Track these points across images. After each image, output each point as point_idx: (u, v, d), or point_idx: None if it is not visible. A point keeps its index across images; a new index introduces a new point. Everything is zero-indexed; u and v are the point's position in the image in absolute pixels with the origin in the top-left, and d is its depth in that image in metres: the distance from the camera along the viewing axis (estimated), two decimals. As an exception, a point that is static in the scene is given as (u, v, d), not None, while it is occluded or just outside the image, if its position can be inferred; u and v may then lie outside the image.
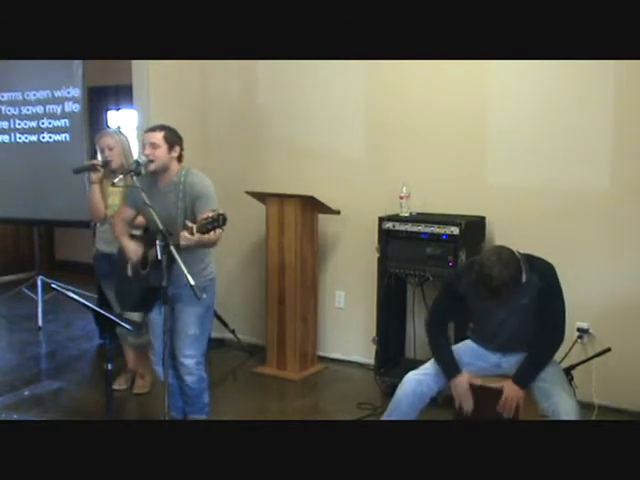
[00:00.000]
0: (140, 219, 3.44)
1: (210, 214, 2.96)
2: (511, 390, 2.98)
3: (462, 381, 3.03)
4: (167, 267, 2.99)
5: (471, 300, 3.03)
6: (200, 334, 3.39)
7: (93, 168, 3.99)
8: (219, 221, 2.93)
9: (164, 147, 3.25)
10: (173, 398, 3.36)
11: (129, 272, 3.37)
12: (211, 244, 3.22)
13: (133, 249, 3.34)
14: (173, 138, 3.29)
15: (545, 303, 2.96)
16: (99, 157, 4.01)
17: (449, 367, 3.07)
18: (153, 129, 3.30)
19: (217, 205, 3.17)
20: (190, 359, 3.38)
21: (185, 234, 2.99)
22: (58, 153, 5.42)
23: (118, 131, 4.09)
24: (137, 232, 3.46)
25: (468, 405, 3.02)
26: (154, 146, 3.24)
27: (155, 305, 3.33)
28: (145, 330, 4.15)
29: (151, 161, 3.24)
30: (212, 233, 3.00)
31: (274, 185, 4.71)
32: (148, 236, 3.27)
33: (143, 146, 3.30)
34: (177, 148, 3.30)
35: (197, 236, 2.98)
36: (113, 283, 3.66)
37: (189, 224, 3.02)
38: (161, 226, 3.00)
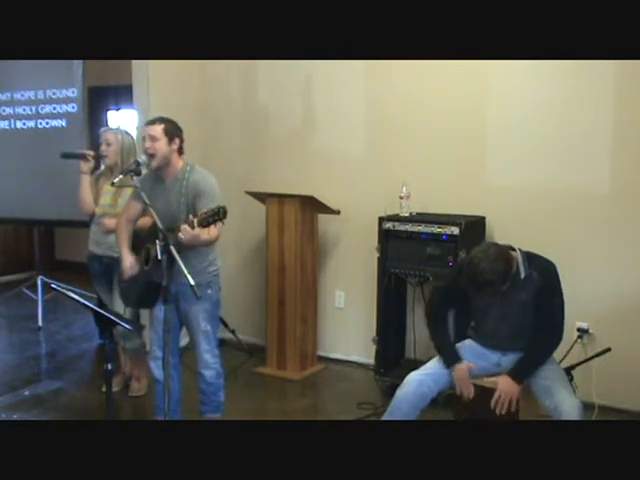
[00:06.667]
0: (142, 221, 3.42)
1: (210, 207, 2.95)
2: (505, 385, 2.97)
3: (462, 369, 3.05)
4: (167, 266, 2.97)
5: (470, 296, 3.04)
6: (211, 328, 3.44)
7: (83, 156, 3.99)
8: (219, 214, 2.92)
9: (164, 140, 3.24)
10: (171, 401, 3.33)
11: None
12: (211, 242, 3.23)
13: (129, 264, 3.34)
14: (173, 130, 3.29)
15: (544, 300, 2.96)
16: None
17: (449, 355, 3.09)
18: (153, 122, 3.30)
19: (221, 202, 3.12)
20: (207, 353, 3.44)
21: (185, 227, 2.99)
22: (56, 153, 5.42)
23: (125, 132, 4.06)
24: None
25: (469, 392, 3.04)
26: (153, 139, 3.24)
27: (158, 302, 3.29)
28: (140, 333, 4.14)
29: (152, 155, 3.22)
30: (212, 227, 3.00)
31: (274, 185, 4.71)
32: (152, 231, 3.24)
33: (143, 139, 3.29)
34: (177, 140, 3.30)
35: (197, 230, 2.98)
36: (116, 280, 3.63)
37: (190, 218, 3.02)
38: (161, 226, 3.00)
